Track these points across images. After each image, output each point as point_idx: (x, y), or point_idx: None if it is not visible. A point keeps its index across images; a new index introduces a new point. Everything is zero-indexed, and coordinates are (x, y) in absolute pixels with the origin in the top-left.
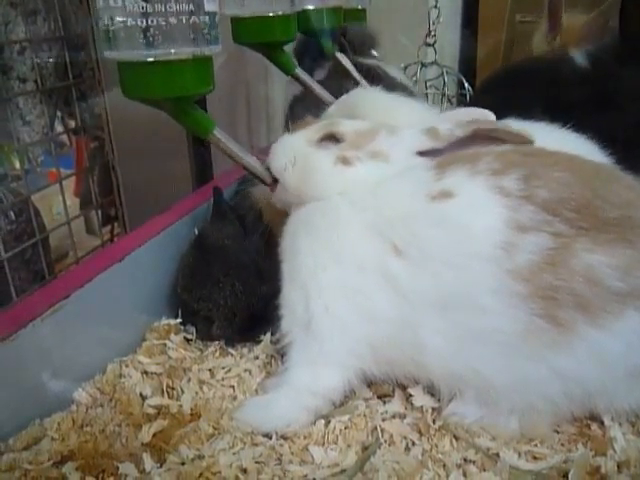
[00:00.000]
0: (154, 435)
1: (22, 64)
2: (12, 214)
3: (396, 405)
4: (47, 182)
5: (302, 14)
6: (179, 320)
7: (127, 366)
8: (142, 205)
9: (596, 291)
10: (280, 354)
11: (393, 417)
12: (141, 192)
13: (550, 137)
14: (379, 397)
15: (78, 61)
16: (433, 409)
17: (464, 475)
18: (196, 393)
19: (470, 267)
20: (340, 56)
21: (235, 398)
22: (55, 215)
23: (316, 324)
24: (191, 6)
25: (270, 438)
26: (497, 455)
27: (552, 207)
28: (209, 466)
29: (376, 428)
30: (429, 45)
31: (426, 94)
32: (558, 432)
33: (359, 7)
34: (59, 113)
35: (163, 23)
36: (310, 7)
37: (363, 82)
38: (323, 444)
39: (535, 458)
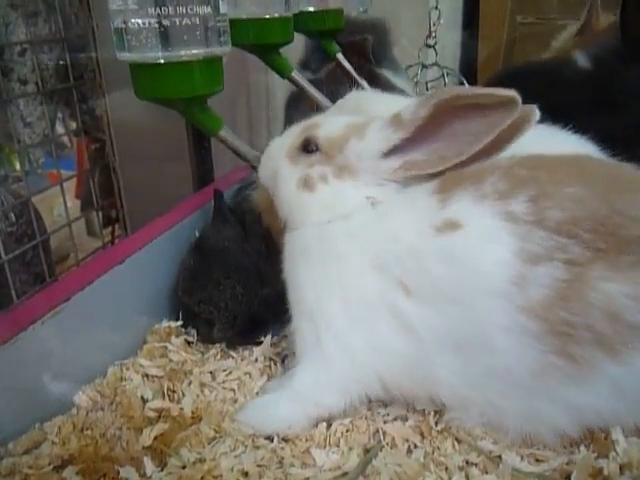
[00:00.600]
0: (155, 438)
1: (23, 66)
2: (13, 216)
3: (398, 408)
4: (48, 184)
5: (300, 16)
6: (180, 322)
7: (128, 369)
8: (143, 207)
9: (616, 327)
10: (281, 357)
11: (395, 420)
12: (142, 194)
13: (552, 139)
14: (381, 400)
15: (79, 63)
16: (435, 412)
17: (466, 478)
18: (197, 396)
19: (481, 304)
20: (341, 58)
21: (236, 401)
22: (56, 217)
23: (327, 350)
24: (209, 8)
25: (272, 441)
26: (499, 458)
27: (566, 229)
28: (210, 469)
29: (378, 431)
30: (430, 46)
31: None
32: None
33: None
34: (60, 115)
35: (178, 25)
36: (310, 9)
37: (364, 84)
38: (325, 447)
39: (537, 460)
